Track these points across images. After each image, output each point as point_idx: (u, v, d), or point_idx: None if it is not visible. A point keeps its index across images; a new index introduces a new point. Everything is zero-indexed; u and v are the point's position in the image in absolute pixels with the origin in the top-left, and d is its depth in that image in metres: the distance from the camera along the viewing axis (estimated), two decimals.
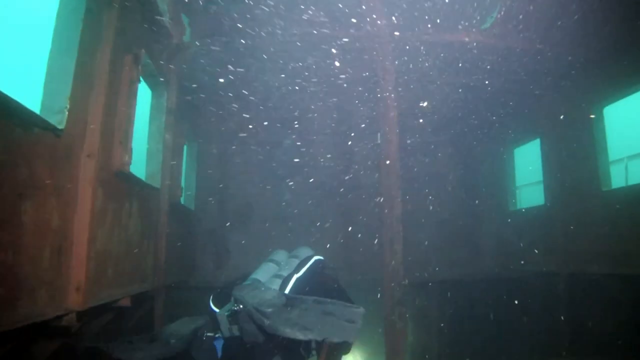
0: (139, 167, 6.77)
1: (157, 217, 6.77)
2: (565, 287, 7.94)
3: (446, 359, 9.64)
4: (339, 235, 10.27)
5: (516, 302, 9.35)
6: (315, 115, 10.01)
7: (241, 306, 3.90)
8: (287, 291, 4.23)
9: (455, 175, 10.88)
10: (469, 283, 9.43)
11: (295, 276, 4.40)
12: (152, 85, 6.61)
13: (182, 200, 9.08)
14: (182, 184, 9.27)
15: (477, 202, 10.81)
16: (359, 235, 10.12)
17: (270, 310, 3.84)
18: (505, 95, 8.91)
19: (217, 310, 4.22)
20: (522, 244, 9.49)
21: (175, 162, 7.16)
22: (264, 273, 4.55)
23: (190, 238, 9.12)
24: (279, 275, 4.41)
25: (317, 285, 4.54)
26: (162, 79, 6.61)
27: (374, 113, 7.85)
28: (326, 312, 4.05)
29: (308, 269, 4.59)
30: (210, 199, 9.99)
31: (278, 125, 10.14)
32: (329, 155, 10.45)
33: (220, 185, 10.16)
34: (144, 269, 6.26)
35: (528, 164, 11.60)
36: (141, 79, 6.03)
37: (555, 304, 8.13)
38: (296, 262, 4.68)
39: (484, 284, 9.55)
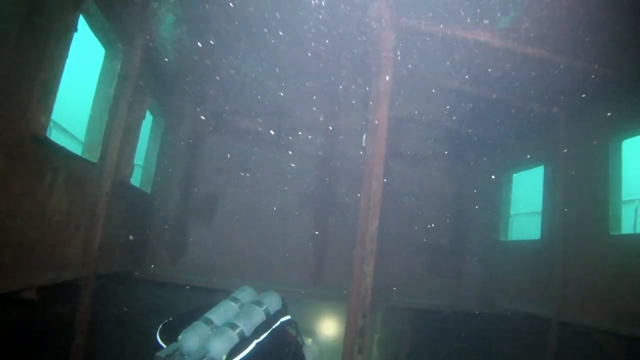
0: None
1: (96, 196, 5.81)
2: (554, 337, 7.01)
3: None
4: (311, 241, 9.37)
5: (496, 342, 8.52)
6: (300, 109, 9.16)
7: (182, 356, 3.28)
8: (242, 355, 3.49)
9: (447, 194, 9.95)
10: (446, 314, 8.51)
11: (255, 341, 3.66)
12: (105, 44, 5.61)
13: (138, 182, 8.18)
14: (140, 162, 8.39)
15: (466, 227, 9.90)
16: (334, 244, 9.29)
17: None
18: (513, 112, 8.00)
19: (163, 345, 3.51)
20: (510, 280, 8.58)
21: (126, 137, 6.18)
22: (221, 314, 3.79)
23: (141, 225, 8.11)
24: (233, 325, 3.62)
25: (272, 348, 3.84)
26: (118, 39, 5.63)
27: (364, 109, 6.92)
28: None
29: (271, 332, 3.86)
30: (172, 184, 8.98)
31: (258, 115, 9.25)
32: (310, 153, 9.52)
33: (183, 166, 9.20)
34: (67, 255, 5.30)
35: (524, 192, 10.73)
36: (89, 31, 5.12)
37: (541, 353, 7.21)
38: (259, 311, 3.90)
39: (463, 317, 8.65)
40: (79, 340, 5.90)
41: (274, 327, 3.93)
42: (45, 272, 4.76)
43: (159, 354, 3.29)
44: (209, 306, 3.96)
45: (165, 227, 8.87)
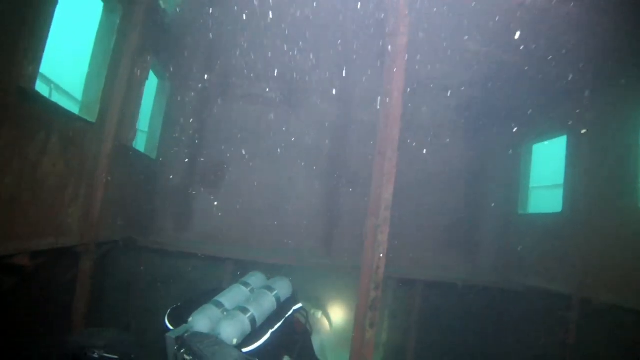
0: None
1: (96, 159, 5.53)
2: (575, 314, 6.69)
3: None
4: (323, 209, 9.06)
5: (512, 318, 8.25)
6: (312, 73, 8.76)
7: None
8: (256, 345, 3.54)
9: (463, 165, 9.52)
10: (460, 288, 8.21)
11: (270, 331, 3.72)
12: None
13: (142, 147, 7.91)
14: (145, 128, 8.10)
15: (482, 199, 9.49)
16: (346, 213, 9.02)
17: None
18: (535, 79, 7.55)
19: (171, 328, 3.54)
20: (528, 255, 8.23)
21: (127, 97, 5.86)
22: (231, 298, 3.84)
23: (146, 191, 7.82)
24: (244, 308, 3.67)
25: (284, 337, 3.94)
26: None
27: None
28: None
29: (284, 322, 3.96)
30: (178, 150, 8.66)
31: (267, 79, 8.87)
32: (322, 119, 9.13)
33: (190, 131, 8.84)
34: (65, 221, 5.05)
35: (545, 165, 10.30)
36: None
37: (560, 331, 6.91)
38: (269, 297, 3.97)
39: (478, 292, 8.36)
40: (79, 309, 5.70)
41: (287, 315, 3.96)
42: (40, 238, 4.52)
43: (169, 334, 3.26)
44: (218, 290, 3.97)
45: (171, 194, 8.59)
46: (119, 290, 7.90)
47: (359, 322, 5.21)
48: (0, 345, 4.98)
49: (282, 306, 4.10)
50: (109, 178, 5.73)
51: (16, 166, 3.87)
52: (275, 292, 4.07)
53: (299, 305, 4.27)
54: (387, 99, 5.36)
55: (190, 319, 3.48)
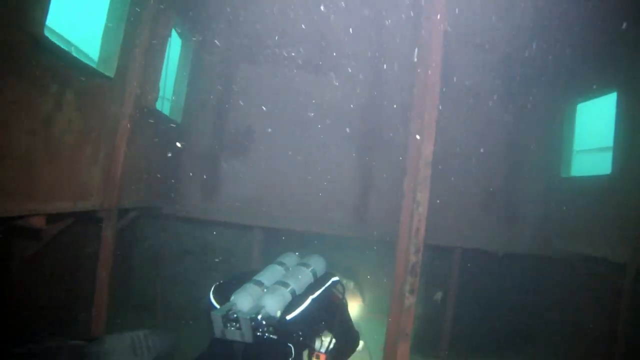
0: None
1: (116, 119, 5.25)
2: (629, 283, 6.20)
3: (457, 339, 8.16)
4: (355, 176, 8.66)
5: (555, 288, 7.83)
6: (343, 34, 8.26)
7: (236, 315, 3.48)
8: (299, 311, 3.74)
9: (501, 126, 8.89)
10: (500, 256, 7.80)
11: (311, 297, 3.91)
12: None
13: (167, 110, 7.61)
14: (168, 94, 7.78)
15: (522, 162, 8.90)
16: (379, 181, 8.57)
17: None
18: (580, 29, 6.96)
19: (217, 306, 3.78)
20: (571, 221, 7.72)
21: (149, 55, 5.53)
22: (269, 276, 4.06)
23: (171, 157, 7.52)
24: (284, 283, 3.91)
25: (323, 309, 4.08)
26: None
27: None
28: None
29: (324, 290, 4.11)
30: (204, 115, 8.33)
31: (297, 41, 8.41)
32: (354, 83, 8.64)
33: (215, 95, 8.47)
34: (84, 183, 4.80)
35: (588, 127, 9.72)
36: None
37: (610, 301, 6.47)
38: (306, 272, 4.18)
39: (518, 260, 7.95)
40: (102, 279, 5.48)
41: (326, 285, 4.10)
42: (57, 200, 4.25)
43: (215, 312, 3.46)
44: (255, 271, 4.15)
45: (197, 160, 8.29)
46: (144, 261, 7.75)
47: (397, 290, 4.88)
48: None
49: (319, 279, 4.21)
50: (131, 140, 5.44)
51: (28, 121, 3.60)
52: (312, 267, 4.21)
53: (336, 278, 4.34)
54: (426, 48, 4.93)
55: (232, 297, 3.63)
